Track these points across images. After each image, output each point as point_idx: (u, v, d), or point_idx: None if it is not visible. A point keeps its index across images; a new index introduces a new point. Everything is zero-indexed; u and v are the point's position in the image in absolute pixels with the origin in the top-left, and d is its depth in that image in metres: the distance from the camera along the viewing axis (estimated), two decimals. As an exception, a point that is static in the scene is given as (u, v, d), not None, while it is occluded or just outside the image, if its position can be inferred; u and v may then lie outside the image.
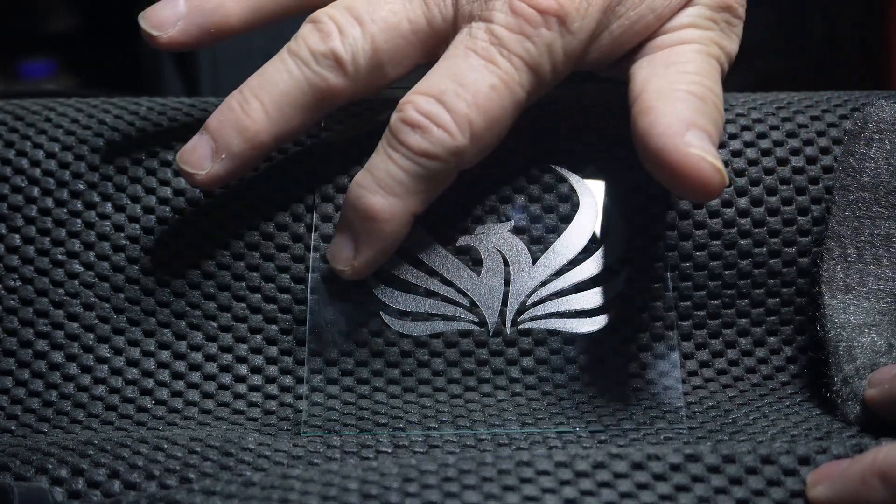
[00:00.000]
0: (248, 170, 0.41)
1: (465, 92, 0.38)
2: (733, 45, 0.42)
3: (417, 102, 0.39)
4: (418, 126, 0.38)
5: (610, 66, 0.42)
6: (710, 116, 0.38)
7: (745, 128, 0.44)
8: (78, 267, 0.42)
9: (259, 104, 0.40)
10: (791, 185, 0.43)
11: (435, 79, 0.39)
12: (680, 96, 0.38)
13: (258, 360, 0.42)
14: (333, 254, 0.41)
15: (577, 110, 0.44)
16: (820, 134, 0.44)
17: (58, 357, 0.42)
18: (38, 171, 0.43)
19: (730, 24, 0.41)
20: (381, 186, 0.39)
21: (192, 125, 0.45)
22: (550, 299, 0.42)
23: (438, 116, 0.38)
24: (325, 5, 0.41)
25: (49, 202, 0.43)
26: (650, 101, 0.38)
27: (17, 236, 0.43)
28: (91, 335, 0.42)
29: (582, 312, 0.42)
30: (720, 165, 0.36)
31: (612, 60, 0.41)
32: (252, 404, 0.41)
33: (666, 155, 0.36)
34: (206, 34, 0.42)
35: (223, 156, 0.40)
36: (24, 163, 0.43)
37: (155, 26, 0.41)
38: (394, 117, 0.39)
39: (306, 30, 0.40)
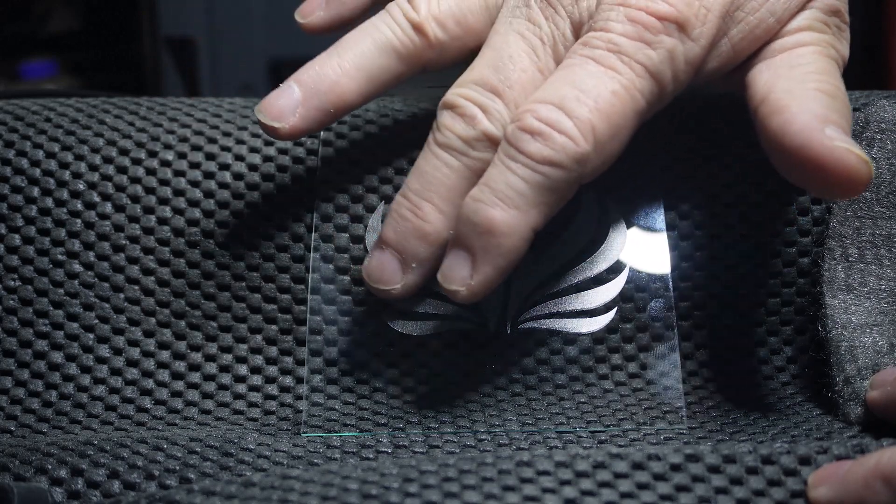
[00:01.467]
0: (435, 270, 0.39)
1: (587, 98, 0.37)
2: (845, 49, 0.41)
3: (536, 110, 0.37)
4: (539, 133, 0.37)
5: (726, 75, 0.40)
6: (841, 113, 0.37)
7: (745, 128, 0.44)
8: (78, 267, 0.42)
9: (431, 206, 0.39)
10: (791, 186, 0.43)
11: (553, 86, 0.38)
12: (811, 94, 0.37)
13: (258, 360, 0.42)
14: (447, 274, 0.38)
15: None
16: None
17: (57, 357, 0.42)
18: (37, 171, 0.43)
19: (840, 28, 0.40)
20: (501, 199, 0.37)
21: (191, 125, 0.45)
22: (551, 299, 0.42)
23: (560, 123, 0.37)
24: (436, 68, 0.41)
25: (49, 202, 0.43)
26: (781, 100, 0.37)
27: (16, 236, 0.43)
28: (91, 335, 0.42)
29: (582, 312, 0.42)
30: (866, 157, 0.35)
31: (730, 68, 0.40)
32: (252, 404, 0.41)
33: (808, 151, 0.35)
34: (325, 115, 0.41)
35: (413, 265, 0.39)
36: (24, 163, 0.43)
37: (275, 118, 0.40)
38: (510, 128, 0.38)
39: (448, 118, 0.39)
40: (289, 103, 0.40)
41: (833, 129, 0.36)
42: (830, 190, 0.36)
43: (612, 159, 0.38)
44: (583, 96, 0.37)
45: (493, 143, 0.38)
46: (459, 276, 0.38)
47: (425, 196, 0.39)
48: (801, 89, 0.37)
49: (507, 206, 0.37)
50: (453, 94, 0.39)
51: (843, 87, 0.38)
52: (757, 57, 0.40)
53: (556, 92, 0.37)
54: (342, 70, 0.40)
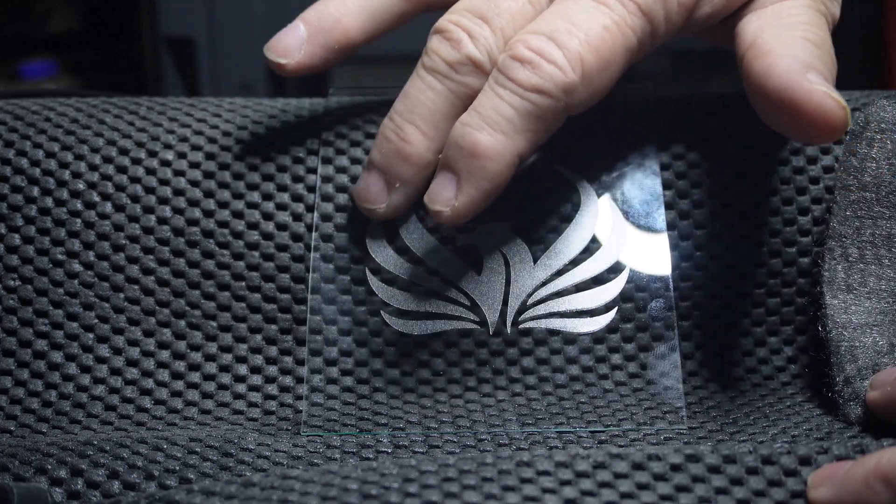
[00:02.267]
0: (419, 193, 0.41)
1: (577, 31, 0.38)
2: (836, 8, 0.41)
3: (528, 40, 0.38)
4: (528, 62, 0.38)
5: (715, 26, 0.41)
6: (825, 63, 0.38)
7: (745, 128, 0.44)
8: (77, 266, 0.42)
9: (414, 128, 0.40)
10: (791, 185, 0.43)
11: (546, 20, 0.39)
12: (798, 42, 0.38)
13: (258, 359, 0.42)
14: (432, 195, 0.39)
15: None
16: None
17: (57, 357, 0.42)
18: (37, 171, 0.43)
19: None
20: (488, 123, 0.38)
21: (191, 125, 0.45)
22: (551, 299, 0.42)
23: (549, 53, 0.38)
24: (440, 8, 0.41)
25: (49, 202, 0.43)
26: (767, 45, 0.38)
27: (16, 236, 0.43)
28: (90, 335, 0.42)
29: (582, 312, 0.42)
30: (844, 103, 0.36)
31: (721, 17, 0.41)
32: (252, 404, 0.41)
33: (788, 93, 0.36)
34: (330, 52, 0.42)
35: (397, 185, 0.40)
36: (24, 162, 0.43)
37: (281, 55, 0.42)
38: (501, 56, 0.39)
39: (435, 42, 0.40)
40: (294, 41, 0.42)
41: (815, 74, 0.36)
42: (807, 133, 0.37)
43: (601, 94, 0.39)
44: (574, 29, 0.38)
45: (477, 68, 0.39)
46: (444, 196, 0.39)
47: (408, 118, 0.40)
48: (789, 36, 0.38)
49: (494, 131, 0.38)
50: (444, 19, 0.40)
51: (830, 41, 0.39)
52: (747, 8, 0.41)
53: (549, 24, 0.38)
54: (346, 8, 0.42)
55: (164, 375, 0.42)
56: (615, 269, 0.42)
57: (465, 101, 0.39)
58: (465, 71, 0.39)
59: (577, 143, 0.44)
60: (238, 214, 0.43)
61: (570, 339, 0.42)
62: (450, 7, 0.41)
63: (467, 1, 0.41)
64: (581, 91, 0.38)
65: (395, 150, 0.40)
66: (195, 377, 0.42)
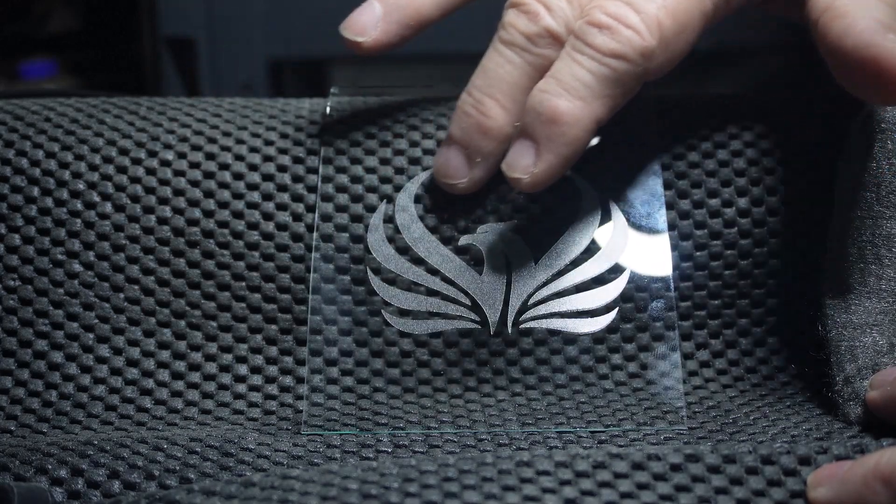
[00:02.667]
0: (498, 165, 0.40)
1: None
2: None
3: (605, 6, 0.38)
4: (606, 27, 0.38)
5: None
6: None
7: (745, 128, 0.44)
8: (77, 267, 0.42)
9: (493, 101, 0.40)
10: (791, 185, 0.43)
11: None
12: (875, 4, 0.37)
13: (258, 360, 0.42)
14: (511, 163, 0.39)
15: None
16: (820, 134, 0.44)
17: (57, 357, 0.42)
18: (37, 171, 0.43)
19: None
20: (566, 90, 0.38)
21: (191, 125, 0.45)
22: (552, 299, 0.42)
23: (627, 17, 0.38)
24: None
25: (49, 202, 0.43)
26: (844, 7, 0.37)
27: (16, 236, 0.43)
28: (91, 335, 0.42)
29: (583, 313, 0.42)
30: None
31: None
32: (252, 404, 0.41)
33: (870, 50, 0.36)
34: (405, 28, 0.42)
35: (478, 160, 0.41)
36: (24, 163, 0.43)
37: (357, 33, 0.42)
38: (579, 23, 0.39)
39: (512, 15, 0.40)
40: (370, 18, 0.42)
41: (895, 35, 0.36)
42: (887, 91, 0.36)
43: (678, 58, 0.39)
44: None
45: (555, 39, 0.39)
46: (523, 163, 0.39)
47: (487, 92, 0.40)
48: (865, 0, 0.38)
49: (573, 97, 0.38)
50: None
51: None
52: None
53: None
54: None
55: (164, 375, 0.42)
56: (616, 270, 0.42)
57: (543, 72, 0.39)
58: (543, 43, 0.40)
59: None
60: (238, 214, 0.43)
61: (571, 339, 0.42)
62: None
63: None
64: (659, 55, 0.38)
65: (475, 124, 0.40)
66: (195, 377, 0.42)
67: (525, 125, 0.39)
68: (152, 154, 0.44)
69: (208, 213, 0.43)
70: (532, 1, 0.40)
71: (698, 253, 0.43)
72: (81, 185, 0.43)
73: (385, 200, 0.43)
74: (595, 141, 0.44)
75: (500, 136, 0.40)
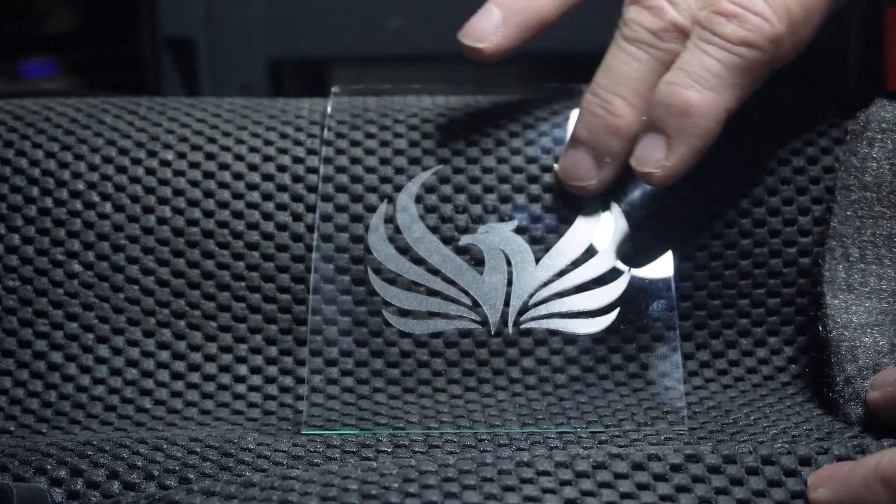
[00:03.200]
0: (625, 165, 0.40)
1: None
2: None
3: None
4: (734, 15, 0.38)
5: None
6: None
7: (745, 128, 0.44)
8: (77, 267, 0.42)
9: (621, 100, 0.39)
10: (792, 185, 0.43)
11: None
12: None
13: (258, 360, 0.42)
14: (641, 157, 0.39)
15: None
16: (821, 134, 0.44)
17: (57, 357, 0.42)
18: (37, 171, 0.43)
19: None
20: (696, 80, 0.38)
21: (191, 125, 0.45)
22: (552, 300, 0.42)
23: (754, 4, 0.38)
24: None
25: (48, 202, 0.43)
26: None
27: (16, 236, 0.43)
28: (90, 335, 0.42)
29: (584, 313, 0.42)
30: None
31: None
32: (252, 405, 0.41)
33: None
34: (526, 31, 0.41)
35: (607, 160, 0.40)
36: (24, 163, 0.43)
37: (478, 39, 0.41)
38: (704, 13, 0.38)
39: (634, 12, 0.40)
40: (490, 24, 0.41)
41: None
42: None
43: (804, 44, 0.39)
44: None
45: (680, 33, 0.39)
46: (654, 157, 0.39)
47: (614, 90, 0.39)
48: None
49: (703, 87, 0.38)
50: None
51: None
52: None
53: None
54: None
55: (163, 376, 0.42)
56: (616, 270, 0.42)
57: (668, 67, 0.39)
58: (669, 37, 0.39)
59: None
60: (238, 215, 0.43)
61: (571, 339, 0.42)
62: None
63: None
64: (787, 41, 0.38)
65: (603, 124, 0.40)
66: (195, 377, 0.42)
67: (654, 118, 0.39)
68: (152, 154, 0.44)
69: (208, 214, 0.43)
70: None
71: (698, 253, 0.43)
72: (81, 185, 0.43)
73: (385, 200, 0.43)
74: None
75: (628, 134, 0.40)
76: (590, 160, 0.40)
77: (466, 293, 0.42)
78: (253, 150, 0.44)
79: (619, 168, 0.40)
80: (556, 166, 0.43)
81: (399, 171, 0.43)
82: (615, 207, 0.43)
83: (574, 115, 0.44)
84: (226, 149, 0.44)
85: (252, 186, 0.43)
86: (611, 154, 0.40)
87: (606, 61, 0.40)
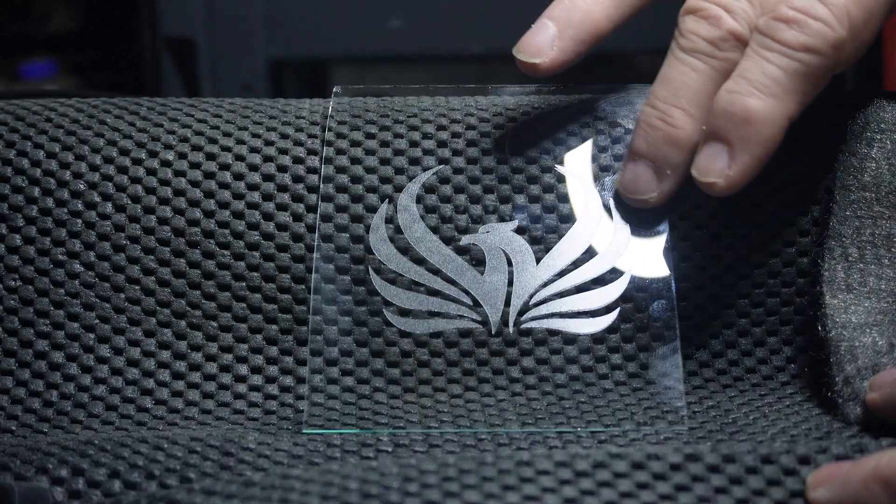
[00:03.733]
0: (686, 176, 0.40)
1: None
2: None
3: (791, 0, 0.38)
4: (794, 21, 0.37)
5: None
6: None
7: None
8: (78, 267, 0.42)
9: (681, 111, 0.39)
10: (791, 186, 0.43)
11: None
12: None
13: (258, 359, 0.42)
14: (703, 167, 0.38)
15: (579, 111, 0.44)
16: (820, 134, 0.44)
17: (58, 357, 0.42)
18: (38, 172, 0.43)
19: None
20: (757, 88, 0.37)
21: (191, 125, 0.45)
22: (553, 299, 0.42)
23: (815, 9, 0.37)
24: None
25: (49, 202, 0.43)
26: None
27: (17, 236, 0.43)
28: (91, 335, 0.42)
29: (584, 313, 0.42)
30: None
31: None
32: (252, 404, 0.41)
33: None
34: (581, 45, 0.41)
35: (668, 172, 0.40)
36: (25, 163, 0.43)
37: (534, 54, 0.41)
38: (763, 19, 0.38)
39: (691, 22, 0.39)
40: (545, 39, 0.41)
41: None
42: None
43: (865, 47, 0.38)
44: None
45: (739, 41, 0.39)
46: (717, 167, 0.38)
47: (673, 102, 0.39)
48: None
49: (765, 95, 0.37)
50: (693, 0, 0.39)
51: None
52: None
53: None
54: None
55: (164, 375, 0.42)
56: (616, 270, 0.42)
57: (727, 76, 0.39)
58: (727, 46, 0.39)
59: (578, 144, 0.44)
60: (238, 215, 0.43)
61: (571, 339, 0.42)
62: None
63: None
64: (849, 46, 0.37)
65: (663, 136, 0.39)
66: (196, 377, 0.42)
67: (715, 127, 0.38)
68: (153, 154, 0.44)
69: (209, 214, 0.43)
70: (710, 5, 0.39)
71: (698, 253, 0.43)
72: (82, 186, 0.43)
73: (386, 201, 0.43)
74: (601, 140, 0.44)
75: (689, 145, 0.39)
76: (650, 173, 0.40)
77: (467, 293, 0.42)
78: (253, 150, 0.44)
79: (679, 180, 0.40)
80: (562, 171, 0.43)
81: (399, 171, 0.44)
82: (615, 207, 0.43)
83: (573, 114, 0.44)
84: (226, 149, 0.44)
85: (252, 187, 0.43)
86: (671, 166, 0.39)
87: (664, 73, 0.40)
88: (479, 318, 0.42)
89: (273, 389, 0.42)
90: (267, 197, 0.43)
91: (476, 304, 0.42)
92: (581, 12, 0.41)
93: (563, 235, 0.42)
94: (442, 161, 0.44)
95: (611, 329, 0.42)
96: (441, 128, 0.44)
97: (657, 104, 0.39)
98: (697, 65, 0.39)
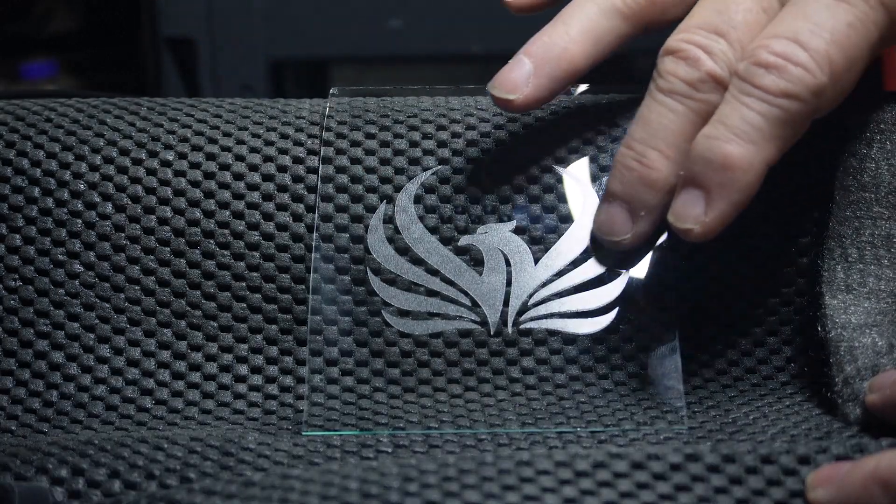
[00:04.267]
0: (663, 215, 0.39)
1: (822, 30, 0.37)
2: None
3: (770, 45, 0.37)
4: (774, 66, 0.37)
5: None
6: None
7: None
8: (78, 267, 0.43)
9: (657, 153, 0.39)
10: (791, 185, 0.43)
11: (785, 22, 0.38)
12: None
13: (258, 360, 0.42)
14: (679, 213, 0.38)
15: (579, 111, 0.44)
16: (819, 134, 0.44)
17: (58, 357, 0.42)
18: (38, 172, 0.43)
19: None
20: (736, 134, 0.37)
21: (191, 125, 0.45)
22: (552, 299, 0.42)
23: (795, 55, 0.37)
24: (662, 27, 0.41)
25: (49, 202, 0.43)
26: None
27: (17, 236, 0.43)
28: (91, 335, 0.42)
29: (583, 313, 0.42)
30: None
31: None
32: (252, 404, 0.41)
33: None
34: (557, 82, 0.41)
35: (642, 214, 0.39)
36: (25, 163, 0.44)
37: (509, 91, 0.41)
38: (743, 64, 0.37)
39: (670, 63, 0.39)
40: (521, 75, 0.41)
41: None
42: None
43: (846, 93, 0.38)
44: (817, 29, 0.37)
45: (718, 83, 0.38)
46: (693, 213, 0.38)
47: (650, 143, 0.39)
48: None
49: (744, 141, 0.37)
50: (674, 39, 0.39)
51: None
52: None
53: (790, 26, 0.37)
54: (570, 37, 0.41)
55: (164, 375, 0.42)
56: (615, 270, 0.42)
57: (706, 119, 0.38)
58: (706, 88, 0.38)
59: (578, 144, 0.44)
60: (238, 215, 0.43)
61: (570, 339, 0.42)
62: (672, 25, 0.40)
63: (697, 17, 0.40)
64: (830, 91, 0.37)
65: (638, 177, 0.39)
66: (196, 377, 0.42)
67: (693, 173, 0.38)
68: (153, 154, 0.44)
69: (209, 214, 0.43)
70: (690, 46, 0.39)
71: (698, 253, 0.43)
72: (82, 186, 0.43)
73: (385, 201, 0.43)
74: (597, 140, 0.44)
75: (664, 187, 0.39)
76: (625, 214, 0.40)
77: (466, 293, 0.42)
78: (253, 150, 0.44)
79: (655, 221, 0.40)
80: (561, 171, 0.43)
81: (399, 171, 0.44)
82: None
83: (572, 114, 0.44)
84: (226, 149, 0.44)
85: (252, 187, 0.43)
86: (646, 208, 0.39)
87: (641, 113, 0.39)
88: (477, 319, 0.42)
89: (273, 389, 0.42)
90: (267, 197, 0.43)
91: (475, 305, 0.42)
92: (558, 49, 0.41)
93: (562, 235, 0.42)
94: (441, 161, 0.44)
95: (610, 329, 0.42)
96: (441, 128, 0.44)
97: (634, 145, 0.39)
98: (675, 106, 0.39)
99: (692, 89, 0.39)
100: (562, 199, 0.43)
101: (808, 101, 0.37)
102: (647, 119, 0.39)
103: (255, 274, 0.43)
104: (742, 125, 0.37)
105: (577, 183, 0.43)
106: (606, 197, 0.40)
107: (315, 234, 0.43)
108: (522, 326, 0.42)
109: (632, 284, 0.42)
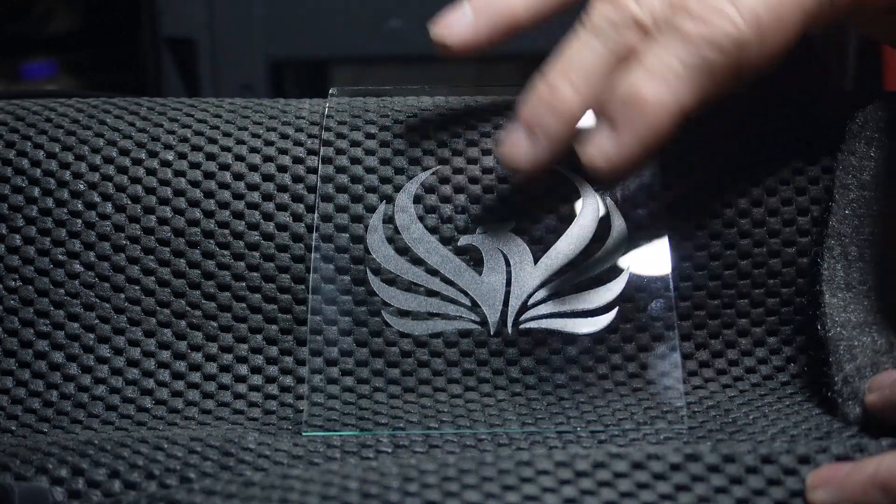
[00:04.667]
0: (564, 152, 0.39)
1: None
2: None
3: None
4: (698, 15, 0.37)
5: (885, 11, 0.40)
6: None
7: (745, 128, 0.44)
8: (78, 267, 0.43)
9: (568, 84, 0.38)
10: (791, 185, 0.43)
11: None
12: None
13: (258, 360, 0.42)
14: (587, 146, 0.38)
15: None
16: (820, 134, 0.44)
17: (58, 357, 0.42)
18: (38, 172, 0.43)
19: None
20: (651, 73, 0.37)
21: (191, 125, 0.45)
22: (552, 299, 0.42)
23: (719, 5, 0.37)
24: None
25: (49, 202, 0.43)
26: None
27: (17, 236, 0.43)
28: (91, 335, 0.42)
29: (583, 313, 0.42)
30: None
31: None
32: (252, 404, 0.41)
33: None
34: (496, 31, 0.41)
35: (541, 139, 0.39)
36: (25, 163, 0.44)
37: (446, 35, 0.41)
38: (668, 10, 0.37)
39: (598, 4, 0.39)
40: (460, 21, 0.41)
41: None
42: None
43: (776, 57, 0.38)
44: None
45: (640, 28, 0.38)
46: (601, 147, 0.38)
47: (563, 74, 0.39)
48: None
49: (657, 81, 0.37)
50: None
51: None
52: None
53: None
54: None
55: (164, 375, 0.42)
56: (615, 270, 0.42)
57: (623, 61, 0.38)
58: (628, 32, 0.38)
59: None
60: (238, 215, 0.43)
61: (570, 339, 0.42)
62: None
63: None
64: (754, 48, 0.37)
65: (546, 104, 0.39)
66: (196, 377, 0.42)
67: (603, 107, 0.38)
68: (153, 154, 0.44)
69: (209, 214, 0.43)
70: None
71: (698, 253, 0.43)
72: (82, 186, 0.43)
73: (385, 201, 0.43)
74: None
75: (570, 119, 0.38)
76: (527, 141, 0.39)
77: (465, 293, 0.42)
78: (253, 150, 0.44)
79: (554, 150, 0.39)
80: (561, 171, 0.43)
81: (399, 171, 0.44)
82: (614, 207, 0.43)
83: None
84: (226, 149, 0.44)
85: (252, 187, 0.43)
86: (546, 134, 0.39)
87: (561, 48, 0.39)
88: (477, 319, 0.42)
89: (273, 389, 0.42)
90: (267, 197, 0.43)
91: (474, 305, 0.42)
92: (500, 1, 0.41)
93: (561, 235, 0.42)
94: (441, 161, 0.44)
95: (610, 329, 0.42)
96: (441, 128, 0.44)
97: (548, 75, 0.39)
98: (595, 44, 0.39)
99: (614, 31, 0.39)
100: (561, 198, 0.43)
101: (730, 53, 0.37)
102: (565, 53, 0.39)
103: (255, 274, 0.43)
104: (658, 65, 0.37)
105: (577, 182, 0.43)
106: (513, 122, 0.40)
107: (315, 234, 0.43)
108: (522, 326, 0.42)
109: (631, 284, 0.42)
